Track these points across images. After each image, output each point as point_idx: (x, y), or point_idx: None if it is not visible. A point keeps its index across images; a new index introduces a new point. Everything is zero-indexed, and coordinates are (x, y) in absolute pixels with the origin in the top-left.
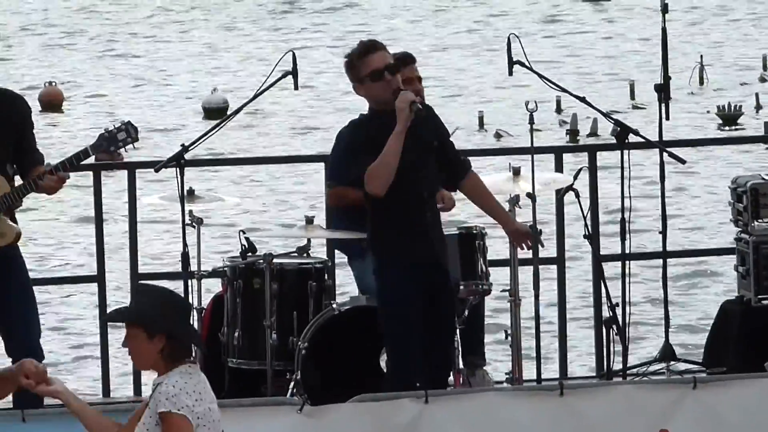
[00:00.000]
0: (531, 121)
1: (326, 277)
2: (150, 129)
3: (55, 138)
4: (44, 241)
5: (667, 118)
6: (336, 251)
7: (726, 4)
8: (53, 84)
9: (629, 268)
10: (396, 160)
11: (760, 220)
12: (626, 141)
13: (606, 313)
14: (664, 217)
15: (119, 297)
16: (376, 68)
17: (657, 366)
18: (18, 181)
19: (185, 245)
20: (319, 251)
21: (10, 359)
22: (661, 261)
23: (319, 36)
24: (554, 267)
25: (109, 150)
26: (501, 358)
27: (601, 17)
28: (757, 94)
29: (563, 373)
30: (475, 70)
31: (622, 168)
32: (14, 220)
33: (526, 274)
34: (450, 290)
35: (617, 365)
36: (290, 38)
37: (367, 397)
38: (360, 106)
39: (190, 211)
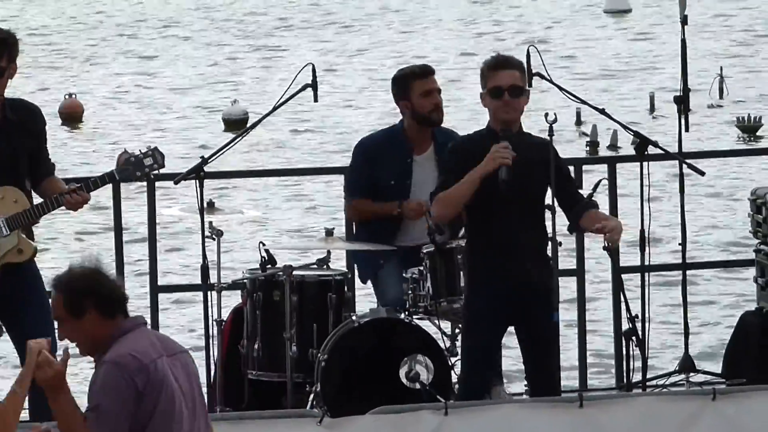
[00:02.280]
0: (551, 133)
1: (346, 289)
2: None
3: (75, 150)
4: (60, 254)
5: (687, 130)
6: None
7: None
8: (73, 96)
9: (649, 279)
10: (468, 195)
11: None
12: (646, 152)
13: (625, 324)
14: (683, 229)
15: (140, 306)
16: (499, 86)
17: (676, 378)
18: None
19: (205, 257)
20: (338, 263)
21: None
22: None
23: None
24: (573, 279)
25: (135, 175)
26: (521, 370)
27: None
28: None
29: (583, 385)
30: None
31: (642, 179)
32: (31, 236)
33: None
34: (541, 308)
35: (637, 377)
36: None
37: (386, 409)
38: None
39: (210, 223)
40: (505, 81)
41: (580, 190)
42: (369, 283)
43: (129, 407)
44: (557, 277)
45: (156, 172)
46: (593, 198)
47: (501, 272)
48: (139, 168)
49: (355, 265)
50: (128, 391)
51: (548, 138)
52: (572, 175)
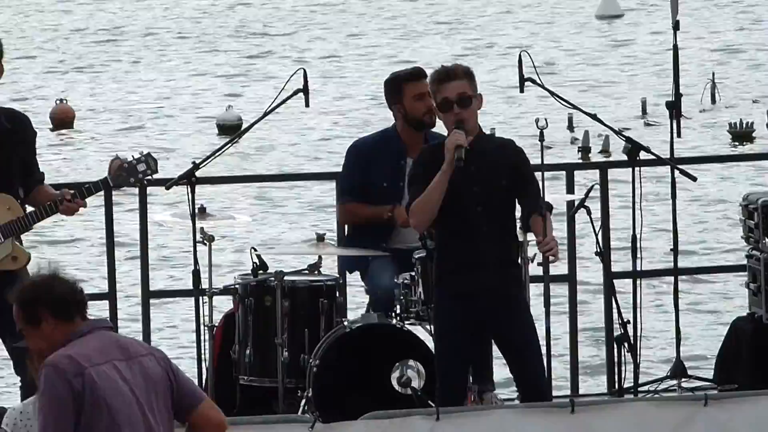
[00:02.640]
0: (541, 138)
1: (337, 294)
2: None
3: (67, 155)
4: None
5: (679, 135)
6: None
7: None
8: (64, 102)
9: (641, 285)
10: (439, 198)
11: None
12: (638, 158)
13: (617, 330)
14: (675, 235)
15: (132, 313)
16: (447, 98)
17: (668, 383)
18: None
19: (196, 262)
20: (330, 268)
21: (19, 378)
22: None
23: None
24: (566, 284)
25: (129, 181)
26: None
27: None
28: None
29: (574, 391)
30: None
31: (634, 185)
32: (21, 243)
33: (536, 291)
34: (510, 315)
35: (628, 382)
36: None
37: (378, 414)
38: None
39: (202, 228)
40: (452, 92)
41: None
42: (358, 278)
43: (68, 407)
44: (527, 284)
45: (149, 177)
46: (549, 204)
47: (467, 281)
48: (133, 174)
49: (345, 264)
50: (64, 392)
51: (511, 139)
52: (534, 176)
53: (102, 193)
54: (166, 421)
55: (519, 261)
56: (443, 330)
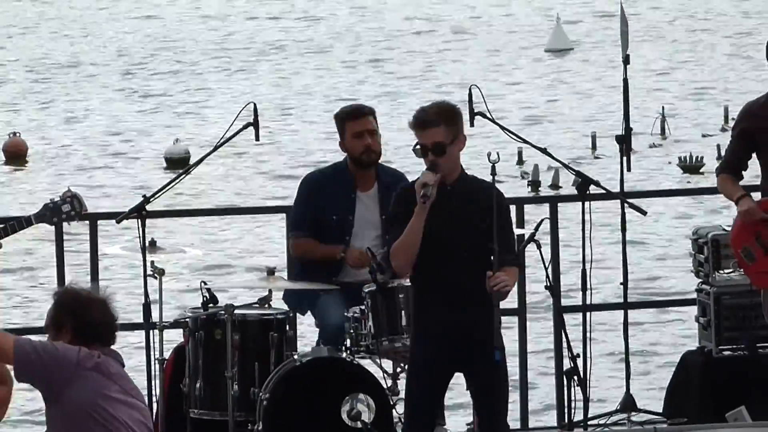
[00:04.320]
0: (493, 173)
1: (287, 327)
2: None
3: (19, 190)
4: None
5: (629, 169)
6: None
7: (690, 54)
8: (17, 135)
9: (590, 319)
10: (417, 240)
11: (721, 271)
12: (587, 192)
13: (567, 364)
14: (625, 269)
15: None
16: (423, 145)
17: (618, 417)
18: None
19: (147, 296)
20: (280, 302)
21: None
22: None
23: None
24: (515, 318)
25: (52, 221)
26: (462, 409)
27: (564, 67)
28: (718, 146)
29: (524, 424)
30: None
31: (583, 219)
32: None
33: None
34: (486, 358)
35: (578, 416)
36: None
37: None
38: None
39: (152, 262)
40: (427, 140)
41: (516, 236)
42: (311, 322)
43: (64, 360)
44: (499, 322)
45: (74, 220)
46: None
47: (445, 322)
48: (57, 214)
49: (294, 299)
50: (72, 352)
51: (492, 182)
52: (510, 228)
53: (54, 228)
54: None
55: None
56: (418, 367)
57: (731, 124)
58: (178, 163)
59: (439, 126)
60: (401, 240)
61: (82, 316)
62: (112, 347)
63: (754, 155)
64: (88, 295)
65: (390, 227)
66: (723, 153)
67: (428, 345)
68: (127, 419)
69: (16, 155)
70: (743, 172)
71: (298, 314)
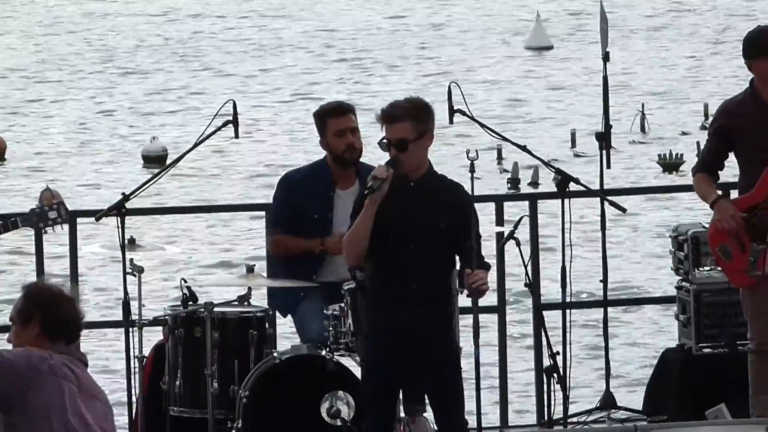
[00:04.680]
0: (472, 170)
1: (267, 325)
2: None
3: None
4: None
5: (608, 167)
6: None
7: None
8: None
9: (570, 316)
10: (365, 233)
11: (700, 269)
12: (567, 189)
13: (547, 361)
14: (605, 266)
15: None
16: (388, 139)
17: (598, 414)
18: None
19: (126, 294)
20: (260, 300)
21: None
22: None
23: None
24: (495, 315)
25: (38, 226)
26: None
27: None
28: (698, 143)
29: (504, 422)
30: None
31: (563, 216)
32: None
33: (466, 322)
34: (437, 353)
35: (558, 414)
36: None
37: None
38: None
39: (131, 260)
40: (391, 135)
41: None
42: (289, 317)
43: (18, 367)
44: (457, 327)
45: (60, 227)
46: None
47: (391, 313)
48: (43, 220)
49: (276, 299)
50: (22, 358)
51: (461, 184)
52: (476, 231)
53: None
54: None
55: (452, 300)
56: (371, 364)
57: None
58: (156, 161)
59: (405, 122)
60: (350, 232)
61: (52, 310)
62: (76, 346)
63: (731, 155)
64: (59, 290)
65: (351, 219)
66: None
67: (379, 344)
68: (88, 418)
69: None
70: (719, 172)
71: (277, 313)
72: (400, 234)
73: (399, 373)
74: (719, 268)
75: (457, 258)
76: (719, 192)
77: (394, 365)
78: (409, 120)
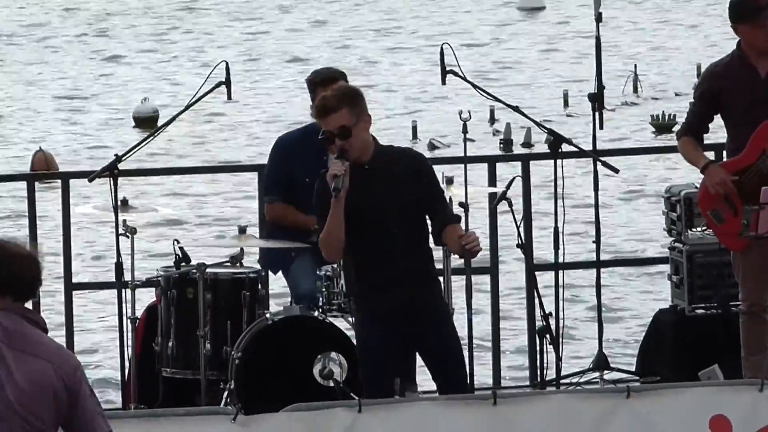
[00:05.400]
0: (464, 131)
1: (260, 286)
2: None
3: None
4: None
5: (601, 127)
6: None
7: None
8: None
9: (563, 277)
10: (339, 229)
11: (693, 230)
12: (560, 150)
13: (539, 322)
14: (597, 227)
15: (53, 305)
16: (329, 131)
17: (590, 375)
18: None
19: (119, 255)
20: (252, 261)
21: None
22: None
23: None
24: (487, 276)
25: None
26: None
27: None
28: (691, 103)
29: (496, 383)
30: (410, 79)
31: (555, 177)
32: None
33: (458, 283)
34: (433, 325)
35: (551, 374)
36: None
37: (300, 406)
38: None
39: (124, 221)
40: (331, 126)
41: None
42: (280, 274)
43: None
44: (449, 291)
45: None
46: (458, 216)
47: (383, 296)
48: None
49: (268, 257)
50: None
51: (409, 147)
52: (439, 185)
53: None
54: (52, 429)
55: (436, 271)
56: (367, 347)
57: None
58: (147, 122)
59: (342, 110)
60: (324, 232)
61: (2, 266)
62: (29, 307)
63: (716, 117)
64: (14, 247)
65: (317, 218)
66: None
67: (375, 327)
68: (13, 370)
69: None
70: (704, 135)
71: (270, 273)
72: (374, 219)
73: (397, 352)
74: (711, 232)
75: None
76: (709, 156)
77: (392, 344)
78: (345, 107)
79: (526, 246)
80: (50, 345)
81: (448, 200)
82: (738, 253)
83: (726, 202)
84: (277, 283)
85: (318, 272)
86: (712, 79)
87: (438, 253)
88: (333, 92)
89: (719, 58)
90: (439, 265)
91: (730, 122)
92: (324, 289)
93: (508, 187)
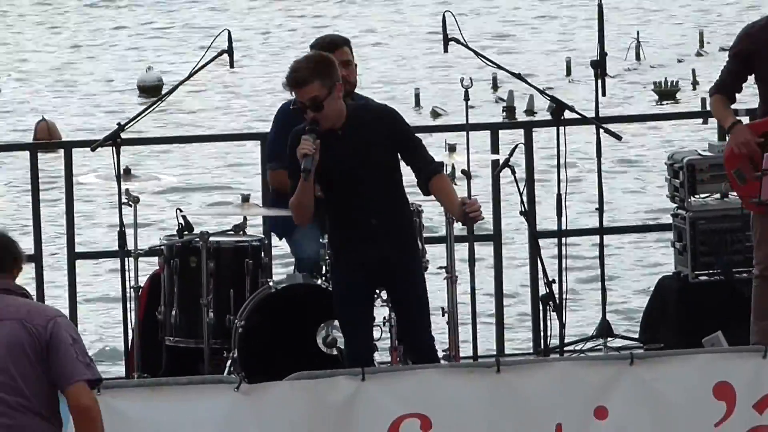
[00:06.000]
0: (466, 98)
1: (263, 254)
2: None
3: None
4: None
5: (603, 94)
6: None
7: None
8: None
9: (566, 244)
10: (308, 199)
11: (696, 196)
12: (562, 118)
13: (543, 289)
14: (600, 194)
15: (56, 276)
16: (301, 103)
17: (594, 342)
18: None
19: (122, 224)
20: (255, 229)
21: None
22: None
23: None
24: (491, 244)
25: None
26: (437, 335)
27: None
28: (693, 70)
29: (500, 350)
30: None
31: (558, 144)
32: None
33: (462, 251)
34: (405, 278)
35: (554, 342)
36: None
37: (303, 374)
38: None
39: (127, 190)
40: (303, 98)
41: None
42: (284, 241)
43: None
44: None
45: None
46: (441, 162)
47: (355, 253)
48: None
49: (272, 222)
50: None
51: (386, 105)
52: (416, 138)
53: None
54: (33, 384)
55: (412, 224)
56: (342, 301)
57: (706, 48)
58: (152, 91)
59: (314, 82)
60: (294, 201)
61: None
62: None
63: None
64: None
65: (288, 174)
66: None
67: (346, 273)
68: None
69: None
70: (737, 95)
71: (273, 241)
72: (346, 181)
73: (365, 305)
74: (733, 192)
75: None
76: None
77: (365, 295)
78: (317, 78)
79: (529, 213)
80: (21, 305)
81: (450, 167)
82: (756, 216)
83: (751, 163)
84: (281, 251)
85: (321, 240)
86: (746, 40)
87: (441, 218)
88: (306, 63)
89: (756, 20)
90: (441, 231)
91: (762, 85)
92: (327, 257)
93: (510, 154)
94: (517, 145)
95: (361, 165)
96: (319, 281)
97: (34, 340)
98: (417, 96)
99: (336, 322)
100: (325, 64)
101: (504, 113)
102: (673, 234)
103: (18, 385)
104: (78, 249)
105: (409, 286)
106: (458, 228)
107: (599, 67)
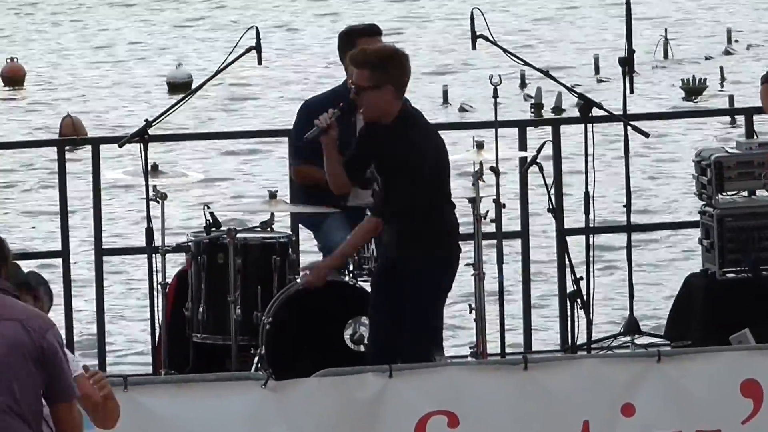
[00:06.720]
0: (495, 95)
1: (290, 251)
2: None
3: (18, 112)
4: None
5: (632, 92)
6: (300, 226)
7: None
8: (14, 60)
9: (593, 241)
10: (335, 170)
11: (724, 194)
12: (590, 115)
13: (570, 286)
14: (628, 191)
15: (84, 272)
16: (351, 81)
17: (621, 340)
18: None
19: (149, 220)
20: (282, 226)
21: None
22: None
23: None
24: (518, 241)
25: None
26: (465, 332)
27: None
28: (721, 68)
29: (527, 347)
30: (440, 43)
31: (586, 141)
32: None
33: (490, 248)
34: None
35: (581, 339)
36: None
37: (331, 371)
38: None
39: (154, 186)
40: (352, 77)
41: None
42: (314, 245)
43: None
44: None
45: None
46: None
47: (378, 260)
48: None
49: (300, 226)
50: None
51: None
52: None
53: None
54: (23, 388)
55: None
56: (372, 295)
57: (734, 45)
58: (181, 88)
59: (364, 69)
60: (327, 172)
61: None
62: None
63: None
64: None
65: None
66: (725, 75)
67: (372, 288)
68: None
69: (13, 80)
70: None
71: (300, 238)
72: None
73: (391, 304)
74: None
75: None
76: None
77: (379, 309)
78: (368, 68)
79: (557, 210)
80: (18, 306)
81: (478, 165)
82: None
83: None
84: (308, 247)
85: (349, 237)
86: None
87: (469, 218)
88: (371, 50)
89: None
90: (469, 228)
91: None
92: (355, 254)
93: (538, 151)
94: (544, 143)
95: (376, 166)
96: (347, 278)
97: (32, 344)
98: (445, 93)
99: (363, 319)
100: (383, 59)
101: (532, 110)
102: (700, 231)
103: (11, 387)
104: (105, 245)
105: (406, 297)
106: (486, 225)
107: (627, 64)
